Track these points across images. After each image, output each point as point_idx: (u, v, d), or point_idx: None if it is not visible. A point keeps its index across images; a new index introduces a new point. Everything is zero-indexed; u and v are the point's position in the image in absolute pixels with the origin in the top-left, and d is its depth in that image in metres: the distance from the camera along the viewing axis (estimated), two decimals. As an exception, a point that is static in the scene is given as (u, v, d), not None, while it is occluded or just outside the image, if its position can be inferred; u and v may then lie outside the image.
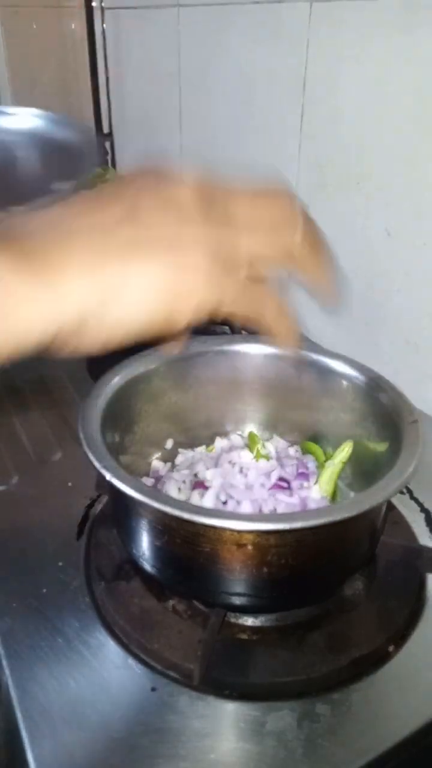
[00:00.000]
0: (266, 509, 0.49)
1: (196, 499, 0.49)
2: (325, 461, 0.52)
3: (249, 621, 0.45)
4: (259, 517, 0.46)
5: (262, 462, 0.53)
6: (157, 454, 0.56)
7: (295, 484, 0.51)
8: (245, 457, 0.54)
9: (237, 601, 0.42)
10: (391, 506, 0.54)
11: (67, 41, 1.32)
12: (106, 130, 1.28)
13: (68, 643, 0.44)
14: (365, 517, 0.41)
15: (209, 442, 0.58)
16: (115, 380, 0.50)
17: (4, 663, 0.42)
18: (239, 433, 0.59)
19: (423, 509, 0.57)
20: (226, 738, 0.38)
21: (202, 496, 0.49)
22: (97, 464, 0.40)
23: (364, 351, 0.58)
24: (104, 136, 1.28)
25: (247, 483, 0.51)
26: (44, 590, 0.48)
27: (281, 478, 0.51)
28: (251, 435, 0.57)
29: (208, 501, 0.48)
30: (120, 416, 0.49)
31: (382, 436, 0.48)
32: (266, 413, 0.58)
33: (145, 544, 0.44)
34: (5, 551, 0.51)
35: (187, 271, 0.29)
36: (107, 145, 1.29)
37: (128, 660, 0.42)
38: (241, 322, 0.32)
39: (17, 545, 0.52)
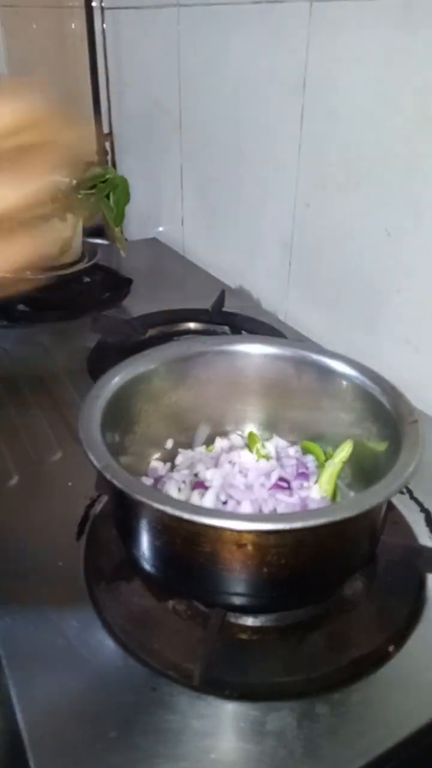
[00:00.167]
0: (266, 509, 0.49)
1: (196, 499, 0.49)
2: (325, 461, 0.53)
3: (249, 621, 0.45)
4: (259, 517, 0.46)
5: (262, 462, 0.53)
6: (157, 454, 0.56)
7: (295, 484, 0.51)
8: (245, 457, 0.54)
9: (237, 601, 0.42)
10: (391, 506, 0.54)
11: (67, 41, 1.32)
12: (106, 130, 1.28)
13: (68, 643, 0.43)
14: (365, 517, 0.41)
15: (209, 442, 0.58)
16: (115, 380, 0.50)
17: (4, 663, 0.42)
18: (239, 433, 0.59)
19: (423, 509, 0.57)
20: (226, 738, 0.38)
21: (202, 496, 0.49)
22: (97, 464, 0.40)
23: (364, 351, 0.58)
24: (104, 136, 1.28)
25: (247, 483, 0.51)
26: (44, 590, 0.48)
27: (281, 478, 0.51)
28: (251, 435, 0.57)
29: (208, 501, 0.48)
30: (120, 416, 0.50)
31: (382, 436, 0.48)
32: (266, 413, 0.58)
33: (145, 543, 0.44)
34: (5, 551, 0.51)
35: None
36: (107, 145, 1.29)
37: (128, 660, 0.42)
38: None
39: (17, 545, 0.52)
